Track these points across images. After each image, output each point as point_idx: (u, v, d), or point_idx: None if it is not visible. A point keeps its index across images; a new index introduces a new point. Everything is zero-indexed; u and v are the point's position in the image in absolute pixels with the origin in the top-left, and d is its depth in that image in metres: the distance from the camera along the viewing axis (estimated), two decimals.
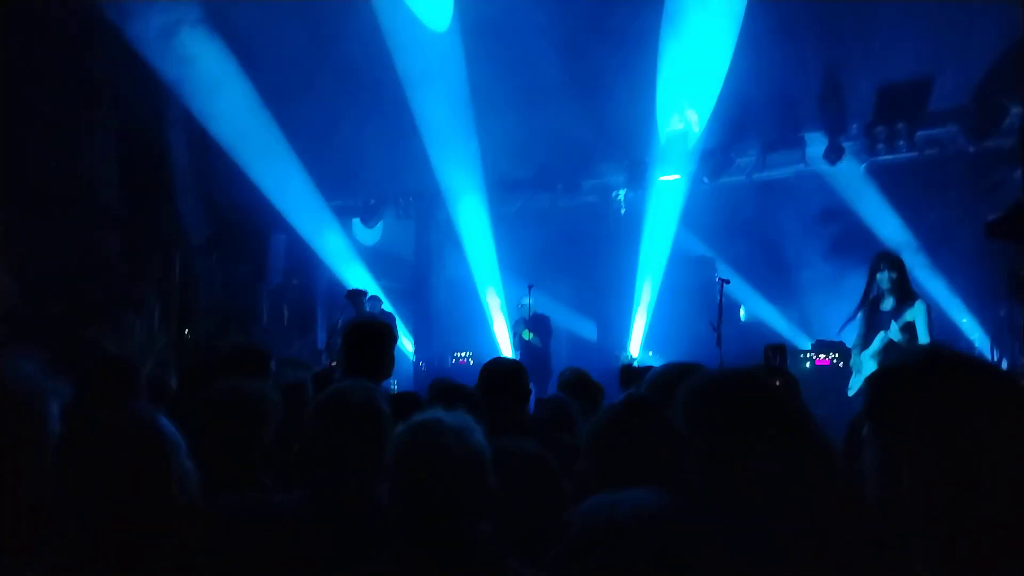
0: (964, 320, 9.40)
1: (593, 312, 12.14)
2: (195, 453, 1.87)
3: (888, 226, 9.70)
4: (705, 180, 10.79)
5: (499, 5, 9.65)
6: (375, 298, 10.72)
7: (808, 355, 9.29)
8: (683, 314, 10.56)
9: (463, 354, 12.15)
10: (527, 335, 9.81)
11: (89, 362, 3.21)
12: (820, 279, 9.73)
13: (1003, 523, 1.12)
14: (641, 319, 11.30)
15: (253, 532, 2.05)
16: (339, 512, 2.16)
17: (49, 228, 9.21)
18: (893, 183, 9.90)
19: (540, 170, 11.94)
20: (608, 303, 11.67)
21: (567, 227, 12.07)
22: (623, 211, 11.94)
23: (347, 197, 13.19)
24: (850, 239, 9.60)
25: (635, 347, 11.18)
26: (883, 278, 5.89)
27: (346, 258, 12.86)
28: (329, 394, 2.42)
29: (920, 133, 9.53)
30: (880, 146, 9.66)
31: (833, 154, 9.79)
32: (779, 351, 3.47)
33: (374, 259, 13.27)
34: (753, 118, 10.00)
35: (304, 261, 12.87)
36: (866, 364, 5.88)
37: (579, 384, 4.41)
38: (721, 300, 7.36)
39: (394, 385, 11.81)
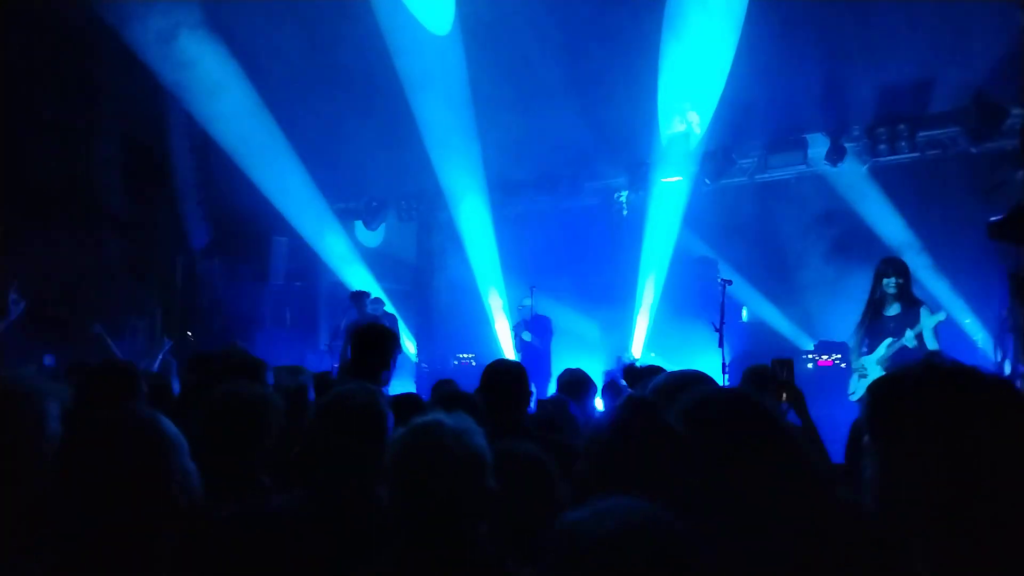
0: (967, 321, 9.39)
1: (595, 313, 12.14)
2: (197, 456, 1.88)
3: (890, 227, 9.69)
4: (707, 181, 10.79)
5: (500, 8, 9.66)
6: (378, 300, 10.73)
7: (811, 356, 9.30)
8: (685, 315, 10.55)
9: (466, 356, 12.15)
10: (527, 336, 9.82)
11: (90, 365, 3.23)
12: (822, 280, 9.72)
13: (1001, 529, 1.13)
14: (643, 320, 11.30)
15: (254, 533, 2.06)
16: (340, 513, 2.16)
17: (51, 232, 9.24)
18: (895, 184, 9.89)
19: (542, 172, 11.96)
20: (610, 304, 11.67)
21: (569, 229, 12.07)
22: (625, 212, 11.94)
23: (349, 199, 13.22)
24: (852, 240, 9.60)
25: (637, 348, 11.18)
26: (889, 283, 5.90)
27: (348, 260, 12.87)
28: (331, 396, 2.43)
29: (921, 134, 9.53)
30: (882, 147, 9.67)
31: (835, 155, 9.79)
32: (786, 365, 3.47)
33: (376, 261, 13.28)
34: (755, 119, 10.01)
35: (306, 264, 12.90)
36: (873, 370, 5.87)
37: (578, 385, 4.43)
38: (723, 301, 7.36)
39: (395, 387, 11.82)
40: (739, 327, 10.55)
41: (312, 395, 3.69)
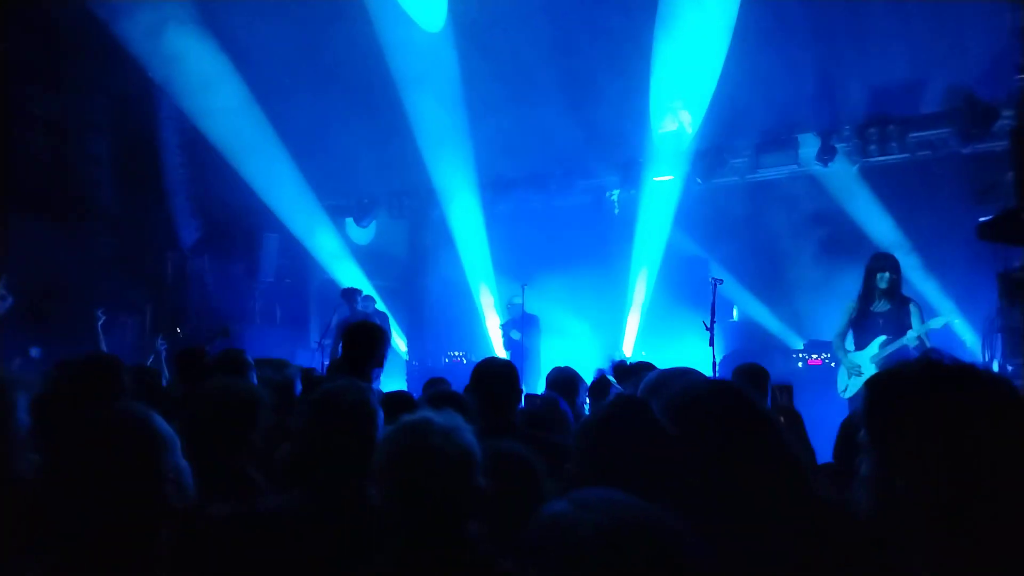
0: (956, 321, 9.43)
1: (586, 312, 12.14)
2: (186, 452, 1.87)
3: (880, 227, 9.72)
4: (698, 180, 10.81)
5: (493, 5, 9.65)
6: (369, 297, 10.70)
7: (800, 355, 9.32)
8: (676, 313, 10.56)
9: (456, 353, 12.14)
10: (515, 335, 9.82)
11: (73, 360, 3.22)
12: (812, 279, 9.74)
13: (1000, 529, 1.12)
14: (635, 319, 11.31)
15: (253, 534, 2.04)
16: (333, 513, 2.15)
17: (40, 227, 9.18)
18: (885, 184, 9.92)
19: (534, 170, 11.95)
20: (602, 302, 11.68)
21: (561, 227, 12.07)
22: (617, 211, 11.94)
23: (340, 196, 13.17)
24: (842, 240, 9.63)
25: (628, 347, 11.19)
26: (883, 277, 5.90)
27: (339, 257, 12.83)
28: (321, 394, 2.42)
29: (912, 135, 9.56)
30: (872, 148, 9.69)
31: (826, 155, 9.82)
32: (786, 391, 3.53)
33: (367, 258, 13.25)
34: (746, 119, 10.02)
35: (297, 261, 12.85)
36: (868, 368, 5.88)
37: (568, 383, 4.43)
38: (714, 300, 7.38)
39: (386, 384, 11.81)
40: (730, 326, 10.59)
41: (299, 388, 3.68)
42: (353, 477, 2.20)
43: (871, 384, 1.32)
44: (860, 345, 6.08)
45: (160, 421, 1.79)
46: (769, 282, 10.75)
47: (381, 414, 2.36)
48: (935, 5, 8.01)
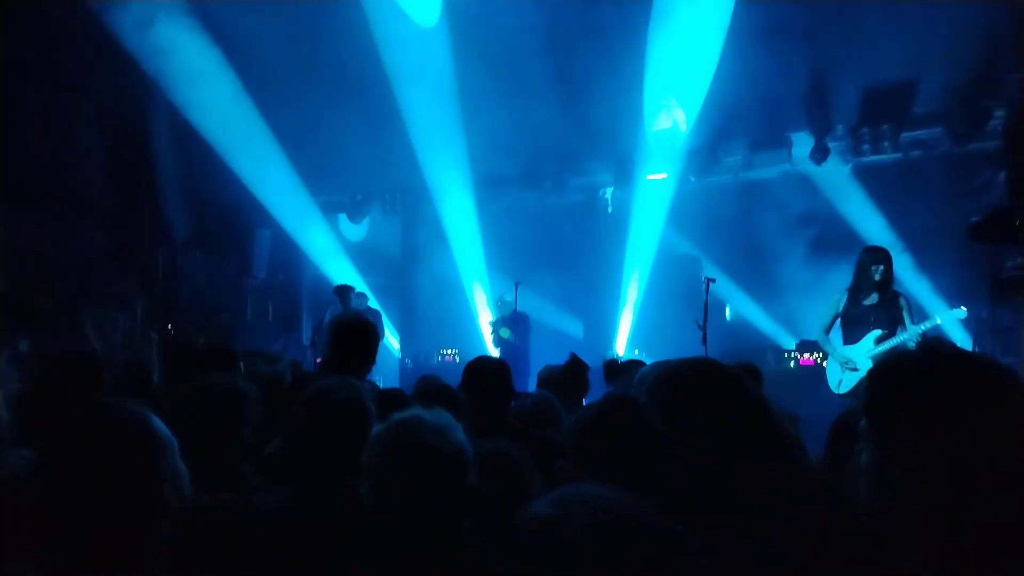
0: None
1: (579, 310, 12.15)
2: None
3: (872, 226, 9.75)
4: (692, 179, 10.81)
5: (487, 1, 9.62)
6: (362, 294, 10.68)
7: (792, 355, 9.34)
8: (669, 312, 10.57)
9: (449, 351, 12.13)
10: (505, 332, 9.82)
11: (51, 355, 3.18)
12: (805, 278, 9.77)
13: (1002, 522, 1.11)
14: (627, 317, 11.32)
15: (242, 531, 2.03)
16: (327, 511, 2.14)
17: (32, 223, 9.13)
18: (878, 184, 9.96)
19: (527, 167, 11.93)
20: (594, 301, 11.68)
21: (554, 225, 12.07)
22: (610, 209, 11.95)
23: (333, 193, 13.13)
24: (834, 239, 9.66)
25: (621, 345, 11.20)
26: (876, 271, 5.90)
27: (332, 254, 12.80)
28: (314, 391, 2.41)
29: (905, 135, 9.59)
30: (865, 147, 9.72)
31: (819, 154, 9.84)
32: (793, 420, 3.56)
33: (360, 255, 13.22)
34: (740, 117, 10.04)
35: (289, 257, 12.81)
36: (863, 364, 5.87)
37: (561, 380, 4.42)
38: (707, 299, 7.37)
39: (379, 382, 11.78)
40: (722, 325, 10.60)
41: (287, 377, 3.67)
42: (347, 475, 2.19)
43: (873, 373, 1.30)
44: (850, 339, 6.05)
45: (158, 422, 1.76)
46: (761, 281, 10.78)
47: (375, 411, 2.35)
48: (928, 5, 8.02)
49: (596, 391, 4.32)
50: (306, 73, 10.58)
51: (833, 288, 6.27)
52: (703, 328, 7.20)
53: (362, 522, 1.96)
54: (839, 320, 6.16)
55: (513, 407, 3.71)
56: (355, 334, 3.71)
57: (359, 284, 11.69)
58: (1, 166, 9.01)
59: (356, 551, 1.89)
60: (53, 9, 9.32)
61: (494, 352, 9.92)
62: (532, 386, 8.33)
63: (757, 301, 11.03)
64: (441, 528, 1.78)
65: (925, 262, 9.36)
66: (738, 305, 11.20)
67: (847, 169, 10.12)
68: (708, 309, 7.35)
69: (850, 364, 5.93)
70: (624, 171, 11.31)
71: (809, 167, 10.11)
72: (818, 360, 8.50)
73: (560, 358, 5.18)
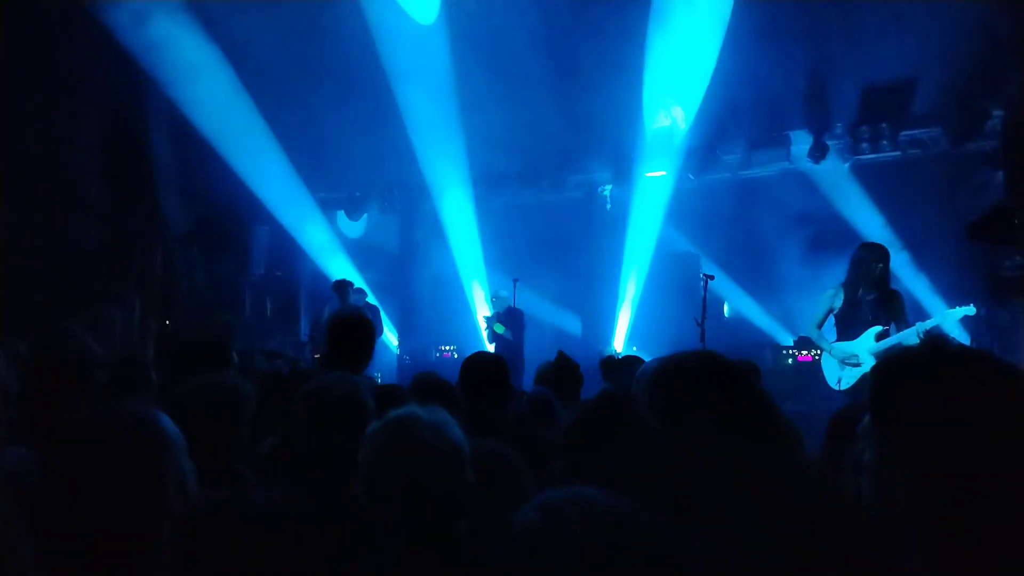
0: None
1: (578, 307, 12.15)
2: None
3: (870, 225, 9.76)
4: (690, 177, 10.82)
5: None
6: (360, 290, 10.66)
7: (790, 352, 9.36)
8: (667, 310, 10.58)
9: (447, 348, 12.13)
10: (499, 328, 9.82)
11: (38, 356, 3.15)
12: (803, 276, 9.78)
13: (1003, 521, 1.11)
14: (626, 314, 11.33)
15: (239, 532, 2.02)
16: (324, 509, 2.13)
17: (29, 220, 9.10)
18: (876, 182, 9.96)
19: (526, 165, 11.93)
20: (593, 298, 11.69)
21: (552, 222, 12.07)
22: (609, 206, 11.95)
23: (331, 189, 13.12)
24: (833, 237, 9.65)
25: (619, 342, 11.20)
26: (876, 267, 5.88)
27: (330, 251, 12.79)
28: (312, 387, 2.40)
29: (903, 134, 9.60)
30: (864, 146, 9.74)
31: (817, 153, 9.85)
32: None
33: (358, 252, 13.21)
34: (739, 116, 10.03)
35: (287, 253, 12.79)
36: (866, 360, 5.85)
37: (558, 378, 4.42)
38: (705, 296, 7.37)
39: (378, 378, 11.78)
40: (721, 322, 10.60)
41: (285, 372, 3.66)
42: (345, 472, 2.19)
43: (877, 370, 1.30)
44: (848, 335, 6.02)
45: (167, 421, 1.75)
46: (760, 279, 10.79)
47: (373, 407, 2.34)
48: (927, 4, 8.02)
49: (593, 388, 4.31)
50: (304, 70, 10.56)
51: (830, 286, 6.25)
52: (701, 325, 7.20)
53: (360, 520, 1.96)
54: (833, 316, 6.14)
55: (512, 407, 3.70)
56: (353, 331, 3.70)
57: (357, 280, 11.68)
58: None
59: (354, 549, 1.89)
60: (50, 6, 9.29)
61: (489, 347, 9.93)
62: (526, 381, 8.35)
63: (755, 298, 11.04)
64: (438, 526, 1.77)
65: (923, 261, 9.37)
66: (736, 302, 11.20)
67: (845, 167, 10.12)
68: (706, 306, 7.35)
69: (852, 360, 5.90)
70: (623, 168, 11.31)
71: (808, 165, 10.12)
72: (816, 356, 8.51)
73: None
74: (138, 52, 9.81)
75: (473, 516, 1.82)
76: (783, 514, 1.42)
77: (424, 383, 3.30)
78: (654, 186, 11.02)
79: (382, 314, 10.92)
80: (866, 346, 5.87)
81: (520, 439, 2.64)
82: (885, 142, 9.60)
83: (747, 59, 9.03)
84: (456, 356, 11.61)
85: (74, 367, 3.04)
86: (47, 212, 9.47)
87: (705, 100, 10.00)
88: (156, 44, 9.84)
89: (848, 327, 6.01)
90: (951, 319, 6.01)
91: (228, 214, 11.60)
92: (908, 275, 9.20)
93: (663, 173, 10.93)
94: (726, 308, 11.26)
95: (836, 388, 6.02)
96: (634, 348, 10.79)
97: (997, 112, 8.68)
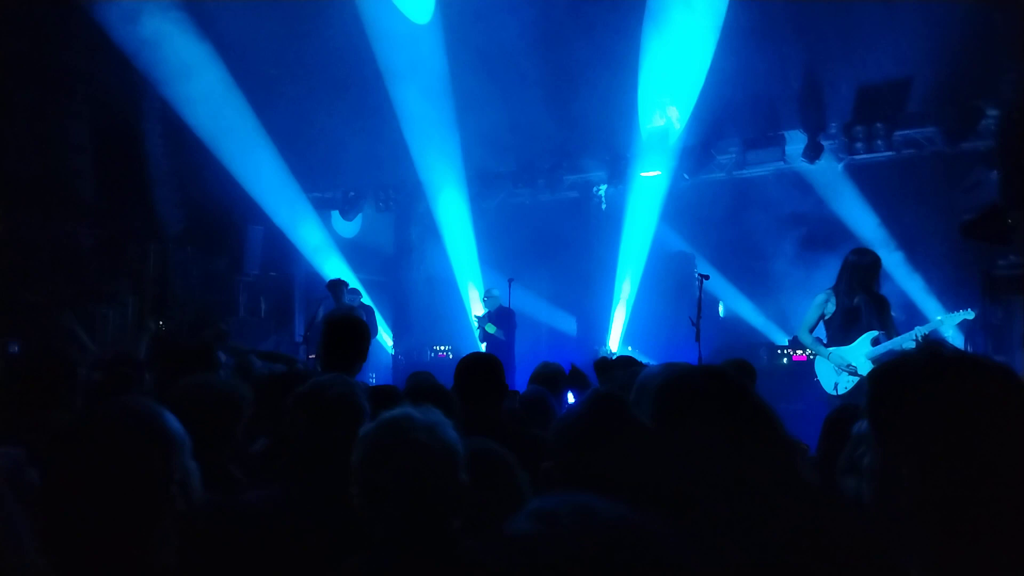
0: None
1: (573, 307, 12.16)
2: None
3: (865, 224, 9.78)
4: (686, 176, 10.83)
5: None
6: (355, 290, 10.65)
7: (785, 351, 9.37)
8: (662, 309, 10.60)
9: (442, 348, 12.12)
10: (490, 328, 9.82)
11: (22, 355, 3.12)
12: (798, 276, 9.79)
13: (1003, 523, 1.11)
14: (621, 314, 11.33)
15: (234, 532, 2.01)
16: (319, 510, 2.12)
17: (23, 219, 9.06)
18: (871, 182, 9.98)
19: (521, 164, 11.93)
20: (588, 298, 11.69)
21: (547, 222, 12.06)
22: (604, 206, 11.95)
23: (326, 189, 13.11)
24: (828, 237, 9.67)
25: (615, 342, 11.20)
26: (868, 273, 5.89)
27: (324, 251, 12.76)
28: (308, 388, 2.39)
29: (898, 133, 9.62)
30: (858, 145, 9.74)
31: (812, 152, 9.86)
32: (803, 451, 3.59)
33: (353, 252, 13.19)
34: (734, 116, 10.05)
35: (282, 253, 12.76)
36: (863, 366, 5.85)
37: (553, 378, 4.41)
38: (700, 296, 7.37)
39: (372, 378, 11.77)
40: (716, 322, 10.62)
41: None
42: (340, 472, 2.18)
43: (875, 376, 1.31)
44: (841, 340, 6.02)
45: (172, 419, 1.72)
46: (755, 278, 10.80)
47: (368, 408, 2.34)
48: (922, 4, 8.04)
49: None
50: (298, 69, 10.54)
51: (825, 286, 6.25)
52: (696, 324, 7.20)
53: (355, 520, 1.95)
54: (823, 321, 6.14)
55: (505, 407, 3.70)
56: (348, 333, 3.70)
57: (352, 280, 11.66)
58: None
59: (349, 549, 1.88)
60: (44, 7, 9.25)
61: (480, 347, 9.93)
62: (516, 381, 8.35)
63: (750, 298, 11.05)
64: (432, 526, 1.76)
65: (918, 260, 9.39)
66: (731, 302, 11.22)
67: (840, 167, 10.14)
68: (701, 306, 7.35)
69: (849, 368, 5.88)
70: (618, 168, 11.31)
71: (802, 165, 10.13)
72: (811, 357, 8.52)
73: (553, 354, 5.19)
74: (132, 51, 9.78)
75: (467, 516, 1.81)
76: (781, 514, 1.42)
77: (418, 386, 3.29)
78: (649, 186, 11.03)
79: (377, 314, 10.91)
80: (862, 351, 5.88)
81: (514, 438, 2.63)
82: (880, 142, 9.62)
83: (742, 59, 9.05)
84: (451, 356, 11.60)
85: (58, 366, 3.00)
86: (41, 211, 9.43)
87: (700, 100, 10.02)
88: (150, 43, 9.81)
89: (843, 332, 6.00)
90: (949, 323, 6.02)
91: (222, 214, 11.57)
92: (903, 274, 9.22)
93: (658, 173, 10.94)
94: (721, 308, 11.28)
95: (833, 393, 6.01)
96: (629, 348, 10.80)
97: (992, 111, 8.70)
